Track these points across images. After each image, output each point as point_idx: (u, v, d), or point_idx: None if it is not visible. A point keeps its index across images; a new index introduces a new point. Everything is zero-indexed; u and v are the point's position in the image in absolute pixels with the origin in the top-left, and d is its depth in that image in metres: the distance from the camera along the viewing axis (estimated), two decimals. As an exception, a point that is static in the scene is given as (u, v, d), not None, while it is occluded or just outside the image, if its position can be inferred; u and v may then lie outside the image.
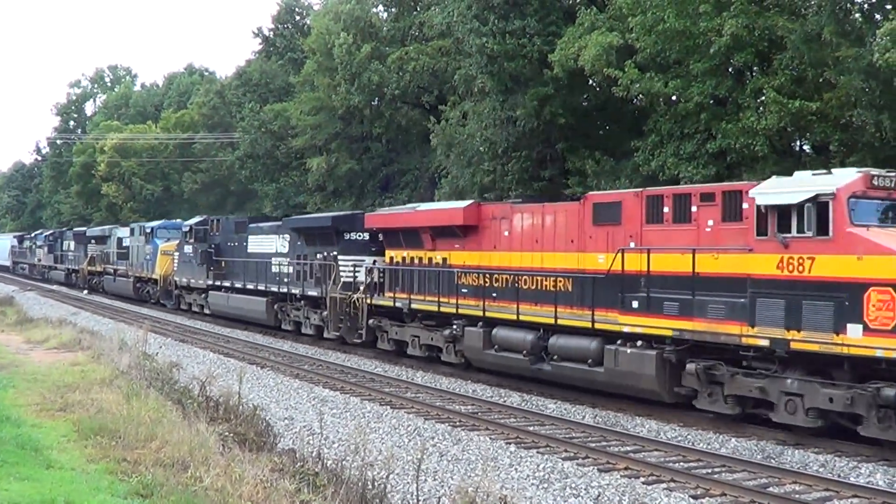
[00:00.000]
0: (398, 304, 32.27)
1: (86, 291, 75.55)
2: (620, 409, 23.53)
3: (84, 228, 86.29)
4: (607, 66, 31.93)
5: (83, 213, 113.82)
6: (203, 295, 51.15)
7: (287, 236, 42.09)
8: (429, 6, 52.40)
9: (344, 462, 15.27)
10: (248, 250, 46.08)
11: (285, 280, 41.07)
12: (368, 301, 33.94)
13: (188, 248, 52.15)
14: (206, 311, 50.76)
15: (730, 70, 31.20)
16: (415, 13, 57.24)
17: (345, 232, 36.98)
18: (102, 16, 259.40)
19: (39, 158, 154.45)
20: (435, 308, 30.24)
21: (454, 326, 29.38)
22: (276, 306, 42.38)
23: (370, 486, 14.12)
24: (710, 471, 17.22)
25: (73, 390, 21.38)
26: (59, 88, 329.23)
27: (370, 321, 33.79)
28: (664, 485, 16.31)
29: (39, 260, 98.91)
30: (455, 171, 43.41)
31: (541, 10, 36.95)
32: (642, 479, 16.65)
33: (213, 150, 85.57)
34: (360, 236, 36.74)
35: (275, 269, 42.00)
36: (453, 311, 29.21)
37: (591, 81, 36.09)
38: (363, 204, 53.97)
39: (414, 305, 31.49)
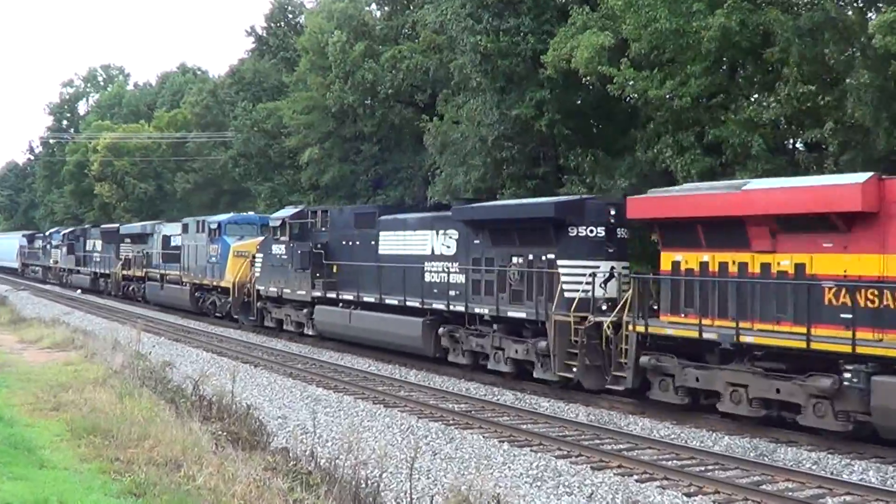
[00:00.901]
0: (708, 335, 21.16)
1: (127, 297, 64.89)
2: (613, 407, 23.54)
3: (115, 225, 73.68)
4: (601, 65, 31.94)
5: (76, 212, 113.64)
6: (304, 310, 39.16)
7: (453, 232, 30.78)
8: (422, 5, 52.38)
9: (337, 461, 15.26)
10: (381, 251, 34.31)
11: (451, 294, 30.30)
12: (635, 327, 22.77)
13: (278, 249, 40.49)
14: (308, 330, 39.11)
15: (723, 68, 31.18)
16: (408, 12, 57.27)
17: (570, 226, 26.36)
18: (95, 15, 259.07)
19: (32, 158, 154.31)
20: (795, 343, 19.50)
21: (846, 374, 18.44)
22: (439, 330, 30.59)
23: (363, 485, 14.12)
24: (703, 469, 17.25)
25: (66, 390, 21.34)
26: (52, 88, 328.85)
27: (641, 358, 22.64)
28: (657, 483, 16.34)
29: (56, 262, 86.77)
30: (449, 170, 43.38)
31: (535, 8, 36.94)
32: (635, 477, 16.68)
33: (206, 149, 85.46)
34: (591, 231, 26.20)
35: (433, 277, 31.31)
36: (840, 348, 18.58)
37: (584, 81, 36.09)
38: (356, 203, 53.93)
39: (748, 338, 20.43)
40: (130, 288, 64.03)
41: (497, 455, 18.57)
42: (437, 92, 50.39)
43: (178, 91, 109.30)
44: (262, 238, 44.06)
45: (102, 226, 76.97)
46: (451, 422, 21.90)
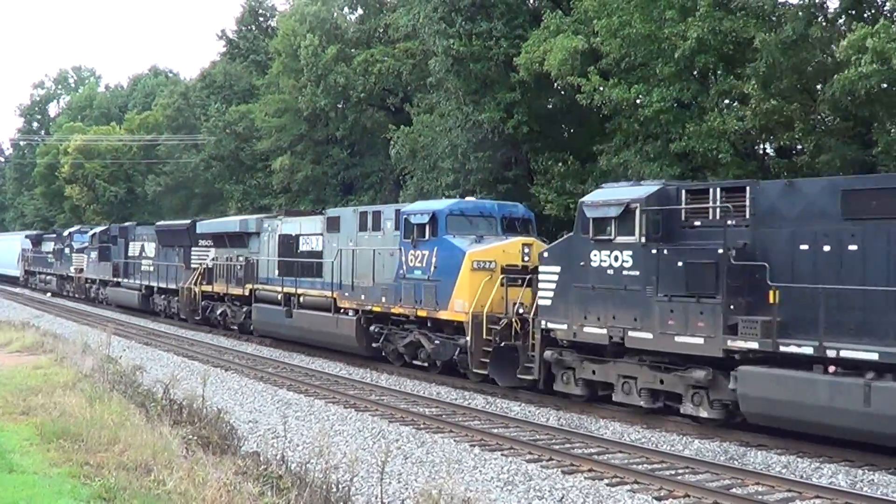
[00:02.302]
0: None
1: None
2: (584, 411, 23.60)
3: (184, 221, 52.08)
4: (571, 73, 32.07)
5: (47, 214, 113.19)
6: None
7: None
8: (394, 8, 52.53)
9: (308, 465, 15.24)
10: None
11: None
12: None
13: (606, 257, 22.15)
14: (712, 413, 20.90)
15: (694, 73, 31.35)
16: (380, 15, 57.41)
17: None
18: (66, 16, 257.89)
19: (2, 160, 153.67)
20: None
21: None
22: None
23: (334, 489, 14.10)
24: (673, 472, 17.29)
25: (35, 393, 21.24)
26: (23, 89, 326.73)
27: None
28: (628, 486, 16.36)
29: (80, 270, 67.44)
30: (420, 174, 43.49)
31: (507, 12, 37.12)
32: (606, 481, 16.69)
33: (178, 151, 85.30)
34: None
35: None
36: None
37: (556, 85, 36.24)
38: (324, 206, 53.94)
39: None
40: (219, 312, 44.20)
41: (468, 459, 18.57)
42: (409, 96, 50.55)
43: (150, 93, 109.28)
44: (511, 241, 27.83)
45: (160, 222, 57.47)
46: (421, 425, 21.89)
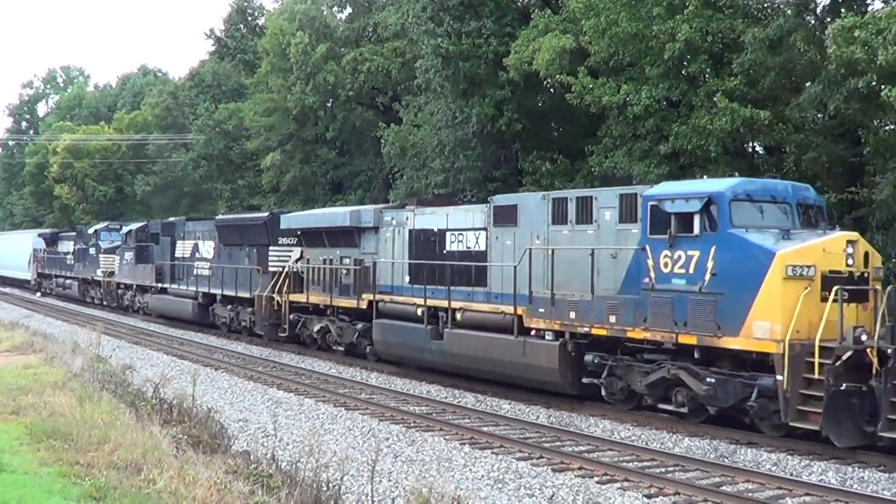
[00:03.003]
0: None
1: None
2: (574, 409, 23.60)
3: (259, 215, 43.01)
4: (560, 72, 32.07)
5: (35, 214, 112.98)
6: None
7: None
8: (383, 7, 52.57)
9: (298, 464, 15.23)
10: None
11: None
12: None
13: None
14: None
15: (683, 73, 31.38)
16: (369, 14, 57.42)
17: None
18: (55, 16, 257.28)
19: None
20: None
21: None
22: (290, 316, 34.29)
23: (325, 488, 14.10)
24: (663, 470, 17.31)
25: (25, 393, 21.17)
26: (12, 89, 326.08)
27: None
28: (618, 484, 16.38)
29: (111, 273, 57.92)
30: (410, 173, 43.48)
31: (496, 11, 37.12)
32: (596, 479, 16.71)
33: (167, 151, 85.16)
34: None
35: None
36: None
37: (545, 83, 36.25)
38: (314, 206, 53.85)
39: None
40: (316, 329, 34.92)
41: (458, 457, 18.58)
42: (399, 94, 50.55)
43: (139, 93, 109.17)
44: (831, 236, 20.26)
45: (220, 216, 48.35)
46: (412, 424, 21.89)
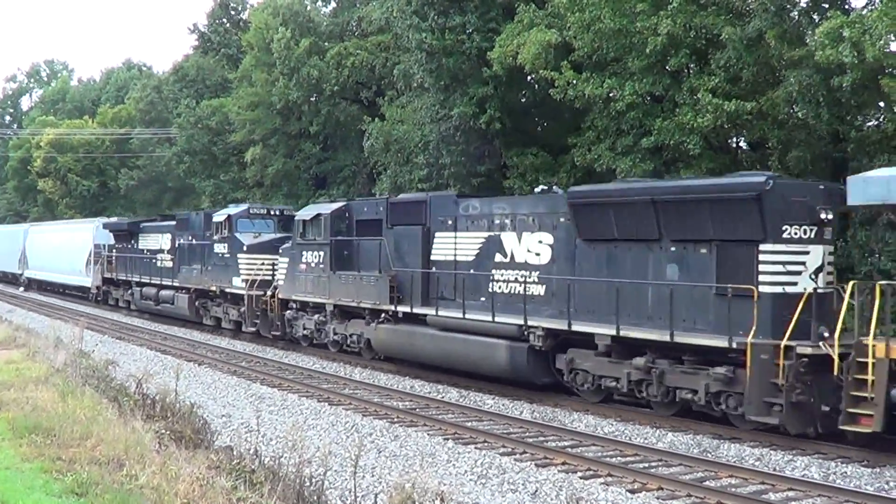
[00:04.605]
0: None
1: None
2: (558, 404, 23.60)
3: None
4: (545, 67, 32.07)
5: (19, 209, 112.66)
6: None
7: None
8: (367, 1, 52.51)
9: (281, 459, 15.21)
10: None
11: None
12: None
13: None
14: None
15: (666, 68, 31.41)
16: (354, 8, 57.38)
17: None
18: (38, 9, 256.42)
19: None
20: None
21: None
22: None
23: (307, 483, 14.07)
24: (647, 465, 17.33)
25: (7, 388, 21.11)
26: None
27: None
28: (601, 479, 16.39)
29: (262, 284, 36.98)
30: (395, 167, 43.44)
31: (481, 6, 37.06)
32: (580, 474, 16.71)
33: (151, 145, 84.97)
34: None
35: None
36: None
37: (529, 78, 36.25)
38: (297, 201, 53.73)
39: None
40: None
41: (441, 453, 18.58)
42: (383, 89, 50.51)
43: (123, 87, 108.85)
44: None
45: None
46: (395, 419, 21.89)
